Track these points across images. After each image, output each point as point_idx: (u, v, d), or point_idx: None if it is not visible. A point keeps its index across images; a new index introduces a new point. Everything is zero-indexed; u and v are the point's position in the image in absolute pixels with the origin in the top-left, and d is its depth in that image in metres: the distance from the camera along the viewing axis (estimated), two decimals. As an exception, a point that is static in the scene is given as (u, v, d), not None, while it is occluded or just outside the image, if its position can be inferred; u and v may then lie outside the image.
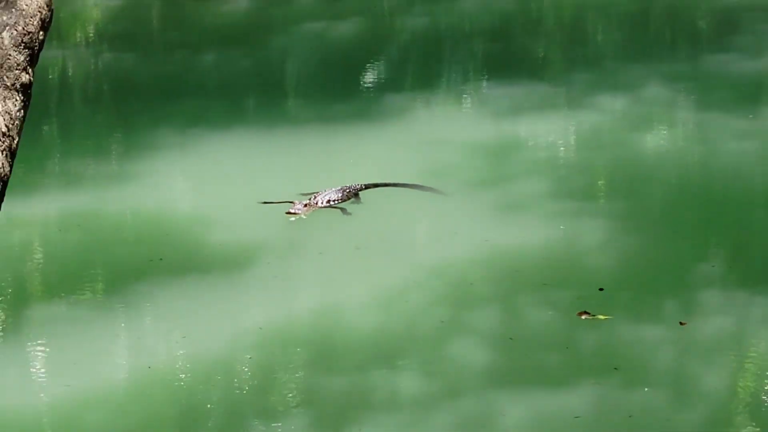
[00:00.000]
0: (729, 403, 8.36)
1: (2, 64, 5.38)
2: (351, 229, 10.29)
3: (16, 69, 5.27)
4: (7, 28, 5.31)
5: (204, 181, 11.38)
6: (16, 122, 5.18)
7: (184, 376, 8.50)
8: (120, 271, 9.94)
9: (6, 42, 5.29)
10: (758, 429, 7.95)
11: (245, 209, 10.50)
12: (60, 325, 9.17)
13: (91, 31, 15.51)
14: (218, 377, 8.52)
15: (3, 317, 8.94)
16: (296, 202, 10.26)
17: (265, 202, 10.39)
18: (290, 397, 8.43)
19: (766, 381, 8.62)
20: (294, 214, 10.16)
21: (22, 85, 5.25)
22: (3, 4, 5.29)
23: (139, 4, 16.94)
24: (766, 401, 8.36)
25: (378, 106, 13.49)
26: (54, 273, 9.98)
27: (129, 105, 13.52)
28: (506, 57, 15.20)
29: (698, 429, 7.99)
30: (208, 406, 8.20)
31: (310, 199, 10.32)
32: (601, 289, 9.43)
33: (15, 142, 5.18)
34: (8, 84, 5.23)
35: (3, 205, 4.55)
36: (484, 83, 14.30)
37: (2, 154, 5.16)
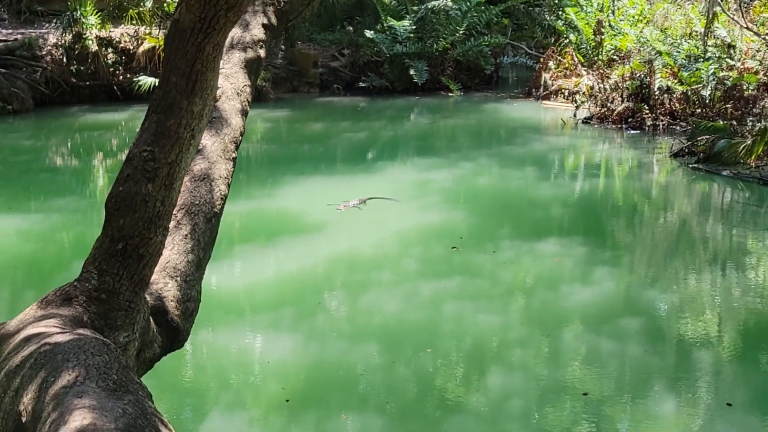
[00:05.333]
0: (517, 286, 8.47)
1: (225, 149, 5.45)
2: (363, 216, 10.30)
3: (231, 152, 5.34)
4: (227, 135, 5.37)
5: (302, 196, 11.35)
6: (230, 174, 5.26)
7: (289, 279, 8.48)
8: (265, 232, 10.02)
9: (226, 140, 5.36)
10: (537, 301, 7.98)
11: (319, 207, 10.54)
12: (236, 258, 9.11)
13: (258, 135, 15.37)
14: (306, 278, 8.55)
15: (216, 254, 8.70)
16: (340, 204, 10.34)
17: (328, 204, 10.48)
18: (336, 286, 8.49)
19: (539, 276, 8.60)
20: (339, 209, 10.21)
21: (233, 158, 5.32)
22: (225, 123, 5.35)
23: (277, 126, 16.77)
24: (536, 288, 8.34)
25: (373, 166, 13.46)
26: (237, 234, 9.94)
27: (271, 166, 13.45)
28: (425, 147, 15.08)
29: (500, 298, 8.01)
30: (299, 289, 8.23)
31: (346, 203, 10.38)
32: (461, 238, 9.54)
33: (228, 182, 5.25)
34: (227, 158, 5.30)
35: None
36: (416, 157, 14.21)
37: (226, 186, 5.25)
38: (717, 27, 16.67)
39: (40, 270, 8.72)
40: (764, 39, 16.42)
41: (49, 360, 3.33)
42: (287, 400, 5.97)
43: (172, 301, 4.79)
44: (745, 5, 17.64)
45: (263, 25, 5.87)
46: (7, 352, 3.63)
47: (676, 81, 15.70)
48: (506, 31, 22.34)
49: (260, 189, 11.75)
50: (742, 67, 15.91)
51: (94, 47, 17.73)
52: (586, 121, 16.26)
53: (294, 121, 17.16)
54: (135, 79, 17.33)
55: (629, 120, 15.79)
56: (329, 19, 21.39)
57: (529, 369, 6.53)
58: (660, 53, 16.19)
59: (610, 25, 18.42)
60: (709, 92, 15.21)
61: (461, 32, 19.98)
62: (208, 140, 5.25)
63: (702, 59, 15.87)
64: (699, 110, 15.34)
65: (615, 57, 17.65)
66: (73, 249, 9.26)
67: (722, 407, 5.88)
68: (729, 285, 8.35)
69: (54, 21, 18.11)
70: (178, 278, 4.88)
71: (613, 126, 15.78)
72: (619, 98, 16.34)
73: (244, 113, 5.53)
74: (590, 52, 18.38)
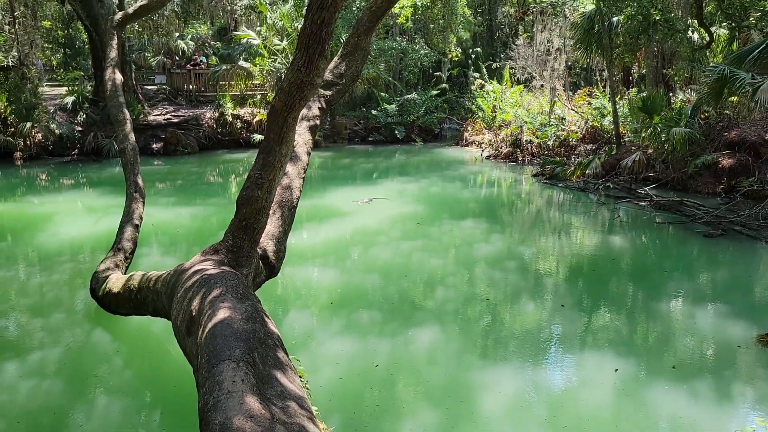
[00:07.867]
0: (451, 244, 8.18)
1: (299, 172, 5.36)
2: (371, 207, 10.12)
3: (302, 174, 5.28)
4: (300, 165, 5.28)
5: (338, 197, 11.12)
6: (301, 186, 5.18)
7: (331, 241, 8.25)
8: (318, 216, 9.76)
9: (299, 167, 5.26)
10: (461, 252, 7.79)
11: (349, 203, 10.35)
12: (303, 230, 8.82)
13: (315, 165, 14.98)
14: (340, 240, 8.34)
15: (293, 228, 8.47)
16: (359, 201, 10.21)
17: (352, 201, 10.34)
18: (356, 244, 8.28)
19: (462, 239, 8.30)
20: (358, 204, 10.08)
21: (303, 177, 5.24)
22: (298, 159, 5.24)
23: (325, 161, 16.13)
24: (461, 245, 7.98)
25: (376, 181, 13.22)
26: (304, 217, 9.65)
27: (322, 181, 13.17)
28: (403, 171, 14.78)
29: (442, 250, 7.81)
30: (336, 246, 8.04)
31: (362, 200, 10.26)
32: (421, 219, 9.37)
33: (300, 190, 5.17)
34: (300, 177, 5.22)
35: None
36: (398, 176, 13.96)
37: (299, 192, 5.16)
38: (556, 108, 16.80)
39: (201, 236, 8.69)
40: (581, 115, 16.47)
41: (206, 282, 3.39)
42: (331, 303, 5.99)
43: (271, 252, 4.80)
44: (571, 97, 17.79)
45: (319, 108, 5.82)
46: (185, 278, 3.68)
47: (534, 137, 15.81)
48: (446, 110, 22.54)
49: (316, 193, 11.55)
50: (569, 129, 16.03)
51: (230, 119, 18.18)
52: (488, 158, 16.33)
53: (334, 158, 16.90)
54: (252, 136, 17.70)
55: (510, 157, 15.90)
56: (353, 104, 21.58)
57: (458, 287, 6.53)
58: (526, 122, 16.32)
59: (500, 107, 18.48)
60: (551, 143, 15.35)
61: (422, 111, 20.33)
62: (290, 168, 5.21)
63: (548, 125, 15.98)
64: (546, 152, 15.43)
65: (502, 124, 17.68)
66: (219, 225, 9.21)
67: (558, 308, 5.90)
68: (562, 243, 8.35)
69: (208, 105, 18.73)
70: (274, 240, 4.88)
71: (501, 161, 15.84)
72: (505, 146, 16.41)
73: (308, 154, 5.48)
74: (490, 121, 18.42)
